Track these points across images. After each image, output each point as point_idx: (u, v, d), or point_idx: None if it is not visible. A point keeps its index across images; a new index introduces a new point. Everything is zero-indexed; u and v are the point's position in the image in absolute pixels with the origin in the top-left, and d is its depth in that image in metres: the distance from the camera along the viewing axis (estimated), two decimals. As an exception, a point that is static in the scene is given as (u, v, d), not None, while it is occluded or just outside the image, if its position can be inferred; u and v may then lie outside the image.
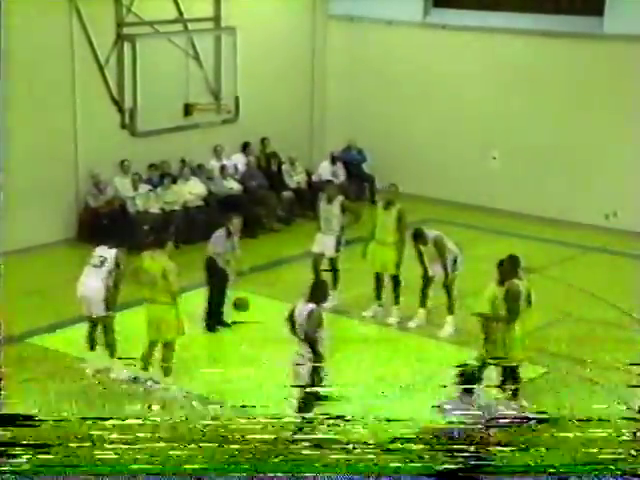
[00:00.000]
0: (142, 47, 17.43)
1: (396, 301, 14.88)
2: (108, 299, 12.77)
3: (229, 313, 14.48)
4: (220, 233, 14.44)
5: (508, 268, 11.98)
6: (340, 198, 15.21)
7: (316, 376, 11.00)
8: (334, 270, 15.28)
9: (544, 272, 16.92)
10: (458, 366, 10.25)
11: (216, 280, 14.40)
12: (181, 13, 18.67)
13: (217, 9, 18.90)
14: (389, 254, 14.68)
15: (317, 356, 11.00)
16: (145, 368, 12.62)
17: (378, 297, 15.01)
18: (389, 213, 14.68)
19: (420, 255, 14.53)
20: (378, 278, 14.94)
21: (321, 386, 11.05)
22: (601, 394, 12.50)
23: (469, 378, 10.01)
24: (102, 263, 12.80)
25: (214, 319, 14.45)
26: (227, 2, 18.94)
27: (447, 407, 9.89)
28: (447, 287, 14.45)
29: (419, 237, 14.38)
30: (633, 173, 18.79)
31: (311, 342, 10.98)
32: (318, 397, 11.12)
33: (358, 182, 21.22)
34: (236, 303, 13.85)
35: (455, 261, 14.42)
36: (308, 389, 11.00)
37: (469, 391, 9.88)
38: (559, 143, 19.68)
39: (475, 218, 19.61)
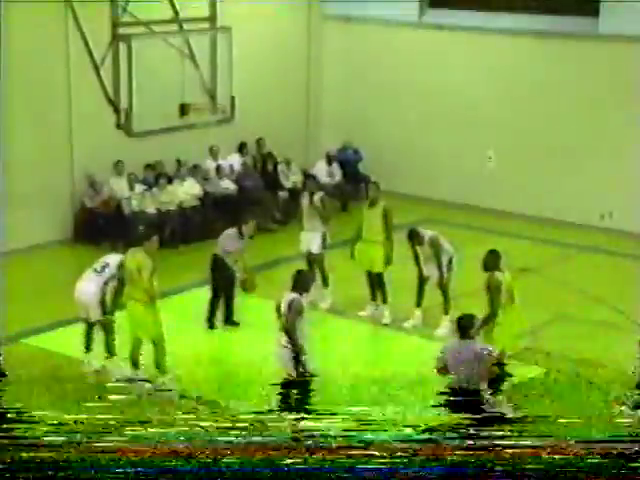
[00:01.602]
0: (138, 47, 17.38)
1: (384, 300, 14.85)
2: (104, 303, 12.76)
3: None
4: (232, 233, 14.46)
5: (490, 262, 12.06)
6: (320, 194, 15.19)
7: (300, 365, 11.04)
8: (320, 269, 15.23)
9: (540, 272, 16.94)
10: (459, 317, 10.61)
11: (220, 278, 14.44)
12: (177, 13, 18.64)
13: (213, 9, 18.85)
14: (377, 252, 14.67)
15: (295, 346, 11.03)
16: (135, 367, 12.61)
17: (373, 297, 15.01)
18: (374, 211, 14.66)
19: (416, 255, 14.54)
20: (370, 277, 14.93)
21: (306, 373, 11.09)
22: (597, 393, 12.54)
23: (466, 324, 10.43)
24: (103, 269, 12.80)
25: (228, 318, 14.59)
26: (223, 2, 18.91)
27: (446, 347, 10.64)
28: (442, 287, 14.46)
29: (415, 237, 14.39)
30: (628, 173, 18.80)
31: (289, 331, 11.03)
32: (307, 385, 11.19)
33: (354, 182, 21.21)
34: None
35: (450, 261, 14.44)
36: (297, 378, 11.07)
37: (467, 336, 10.37)
38: (554, 143, 19.69)
39: (471, 218, 19.62)
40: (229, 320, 14.62)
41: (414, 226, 14.80)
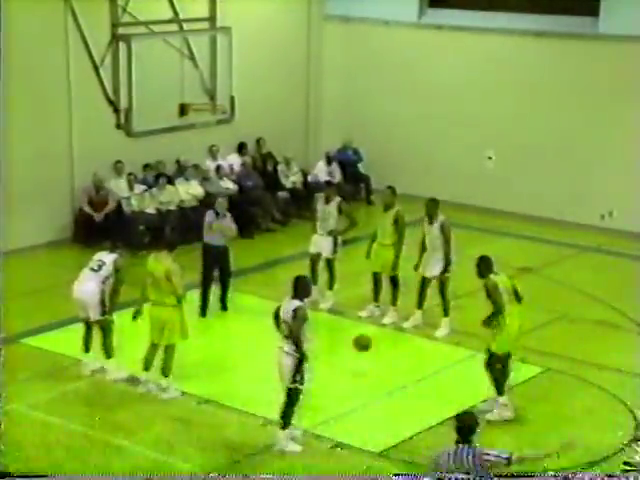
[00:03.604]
0: (137, 47, 17.38)
1: (394, 302, 14.87)
2: (104, 303, 12.74)
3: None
4: (209, 212, 15.07)
5: (482, 268, 12.06)
6: (338, 199, 15.23)
7: (298, 374, 10.98)
8: (331, 271, 15.30)
9: (540, 272, 16.95)
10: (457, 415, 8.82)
11: (205, 262, 14.98)
12: (176, 13, 18.65)
13: (212, 9, 18.85)
14: (388, 255, 14.70)
15: (301, 354, 10.97)
16: (147, 369, 12.55)
17: (375, 298, 15.01)
18: (387, 215, 14.72)
19: (423, 244, 14.44)
20: (376, 278, 14.94)
21: (303, 384, 11.03)
22: (596, 394, 12.54)
23: (466, 425, 8.55)
24: (99, 267, 12.77)
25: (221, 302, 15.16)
26: (222, 2, 18.90)
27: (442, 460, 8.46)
28: (442, 287, 14.43)
29: (433, 206, 14.32)
30: (629, 173, 18.79)
31: (296, 339, 10.96)
32: (298, 395, 11.12)
33: (354, 182, 21.21)
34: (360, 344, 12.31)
35: (449, 262, 14.42)
36: (292, 386, 11.00)
37: (467, 440, 8.45)
38: (554, 143, 19.69)
39: (470, 218, 19.59)
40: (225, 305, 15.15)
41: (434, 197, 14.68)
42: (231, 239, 15.08)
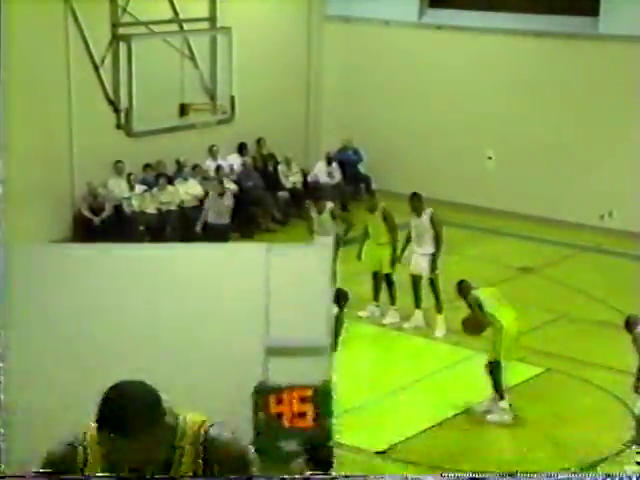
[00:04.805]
0: (137, 47, 17.39)
1: (392, 302, 14.87)
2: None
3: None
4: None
5: (463, 290, 12.25)
6: (330, 206, 15.22)
7: None
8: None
9: (540, 272, 16.95)
10: None
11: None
12: (177, 13, 18.66)
13: (213, 9, 18.87)
14: (384, 253, 14.72)
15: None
16: None
17: (375, 297, 15.01)
18: (375, 216, 14.79)
19: (408, 238, 14.49)
20: (376, 278, 14.94)
21: None
22: (596, 394, 12.55)
23: None
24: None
25: None
26: (223, 2, 18.92)
27: None
28: (433, 286, 14.43)
29: (417, 200, 14.41)
30: (628, 173, 18.79)
31: None
32: None
33: (354, 182, 21.21)
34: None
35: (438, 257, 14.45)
36: None
37: None
38: (554, 143, 19.68)
39: (470, 218, 19.60)
40: None
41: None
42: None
